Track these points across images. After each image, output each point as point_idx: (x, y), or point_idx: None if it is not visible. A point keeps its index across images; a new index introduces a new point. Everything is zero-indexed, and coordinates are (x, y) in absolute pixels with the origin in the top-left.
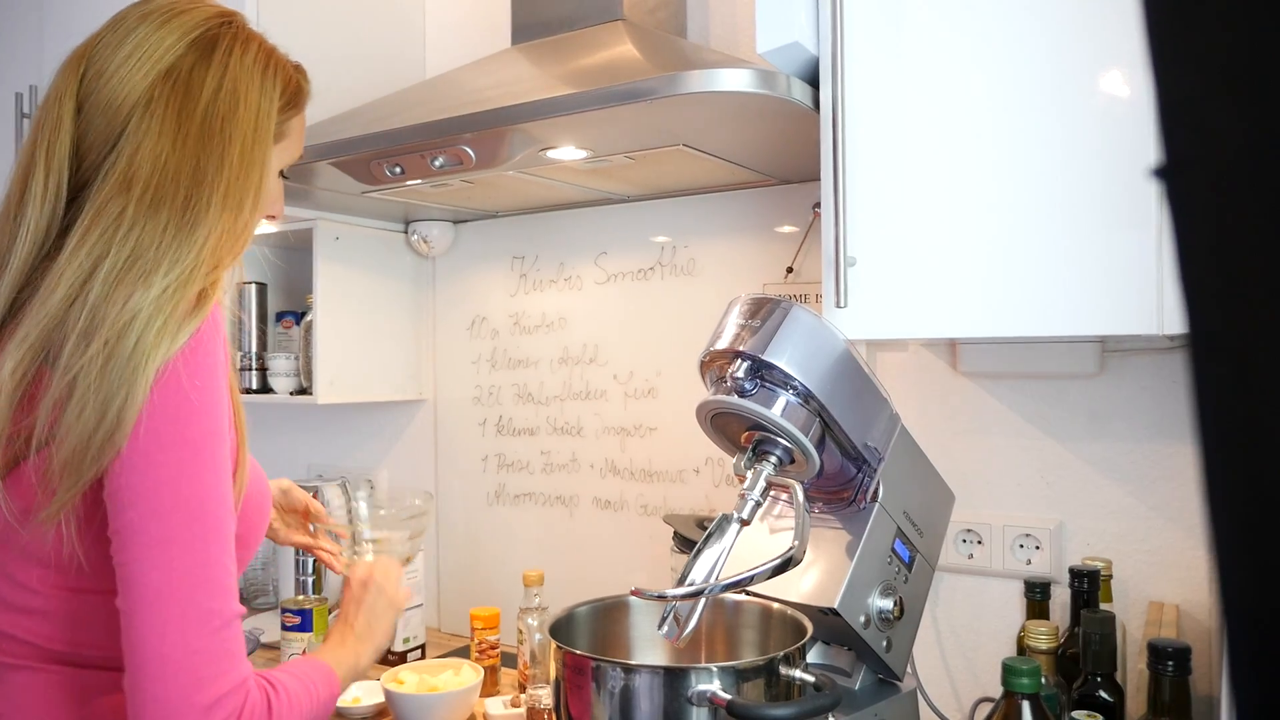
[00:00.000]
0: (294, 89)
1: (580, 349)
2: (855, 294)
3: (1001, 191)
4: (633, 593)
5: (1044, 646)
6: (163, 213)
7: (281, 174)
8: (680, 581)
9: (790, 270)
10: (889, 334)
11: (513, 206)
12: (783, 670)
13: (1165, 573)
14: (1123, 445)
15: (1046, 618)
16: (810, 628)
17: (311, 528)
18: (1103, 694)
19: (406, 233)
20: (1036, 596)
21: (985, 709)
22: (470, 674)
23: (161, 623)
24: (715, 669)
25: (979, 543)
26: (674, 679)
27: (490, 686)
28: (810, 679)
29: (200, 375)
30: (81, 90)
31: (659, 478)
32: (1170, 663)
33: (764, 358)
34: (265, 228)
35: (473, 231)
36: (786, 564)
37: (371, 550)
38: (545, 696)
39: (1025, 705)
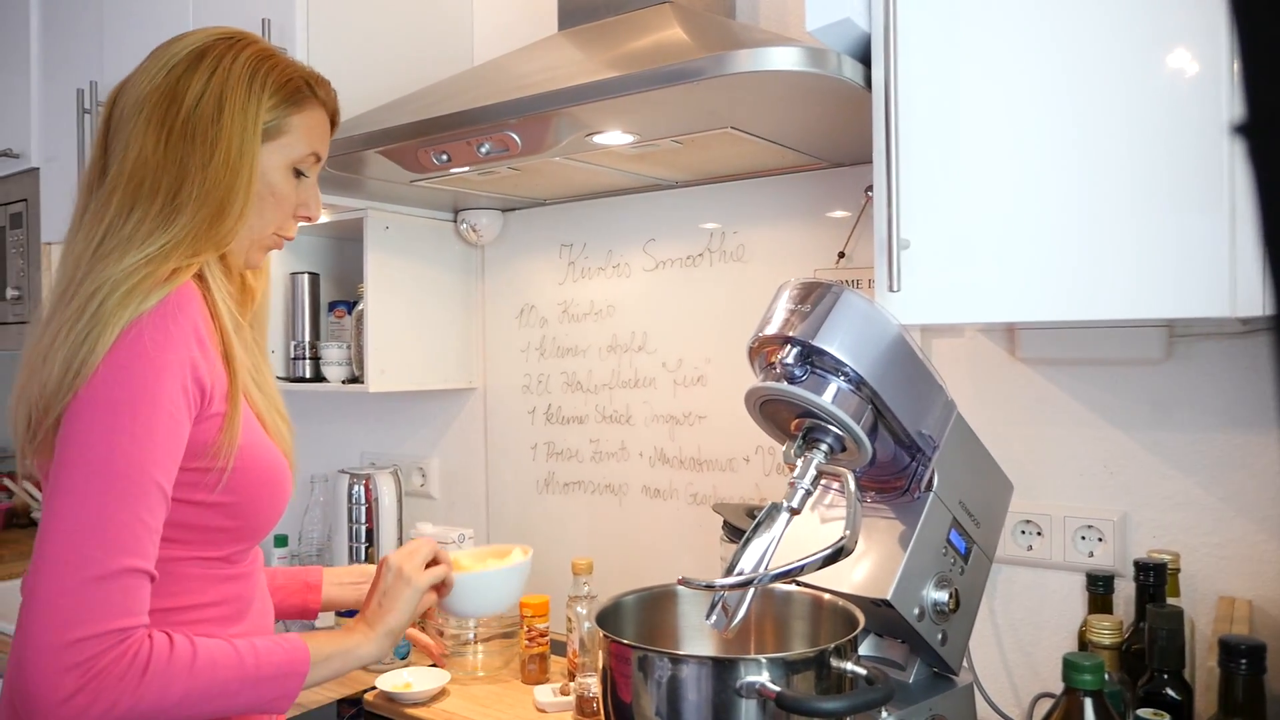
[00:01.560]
0: (292, 88)
1: (629, 337)
2: (909, 278)
3: (1062, 171)
4: (680, 582)
5: (1107, 642)
6: (141, 206)
7: (301, 175)
8: (729, 571)
9: (842, 255)
10: (944, 319)
11: (560, 194)
12: (834, 663)
13: (1236, 566)
14: (1190, 434)
15: (1110, 612)
16: (862, 619)
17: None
18: (1170, 692)
19: (455, 221)
20: (1099, 590)
21: (1045, 705)
22: (519, 554)
23: (43, 564)
24: (764, 660)
25: (1039, 534)
26: (722, 670)
27: (539, 674)
28: (862, 672)
29: (157, 341)
30: (110, 108)
31: (708, 466)
32: (1243, 660)
33: (814, 343)
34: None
35: (521, 219)
36: (838, 554)
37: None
38: (594, 685)
39: (1088, 702)
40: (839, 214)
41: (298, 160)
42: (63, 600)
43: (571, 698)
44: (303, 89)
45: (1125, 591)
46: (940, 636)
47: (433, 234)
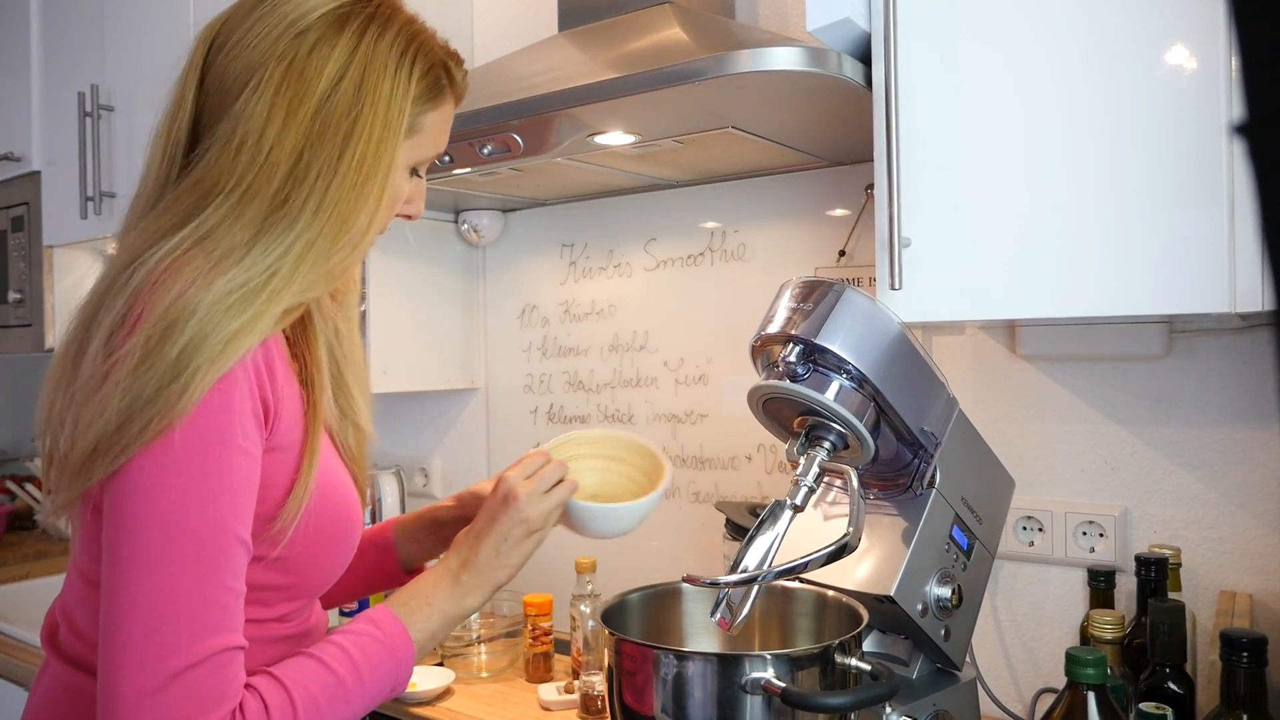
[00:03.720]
0: (434, 76)
1: (631, 336)
2: (910, 276)
3: (1062, 168)
4: (685, 579)
5: (1109, 636)
6: (250, 206)
7: (415, 172)
8: (733, 568)
9: (843, 253)
10: (945, 316)
11: (561, 194)
12: (838, 659)
13: (1236, 561)
14: (1190, 430)
15: (1111, 607)
16: (866, 616)
17: None
18: (1172, 685)
19: (457, 222)
20: (1101, 585)
21: (1047, 700)
22: (651, 468)
23: (120, 659)
24: (769, 656)
25: (1040, 530)
26: (727, 667)
27: (544, 673)
28: (866, 667)
29: (244, 388)
30: (206, 63)
31: (711, 464)
32: (1244, 654)
33: (817, 341)
34: None
35: (522, 220)
36: (841, 550)
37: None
38: (598, 683)
39: (1090, 696)
40: (839, 213)
41: (423, 161)
42: (150, 701)
43: (576, 696)
44: (443, 79)
45: (1126, 587)
46: (943, 632)
47: (434, 235)
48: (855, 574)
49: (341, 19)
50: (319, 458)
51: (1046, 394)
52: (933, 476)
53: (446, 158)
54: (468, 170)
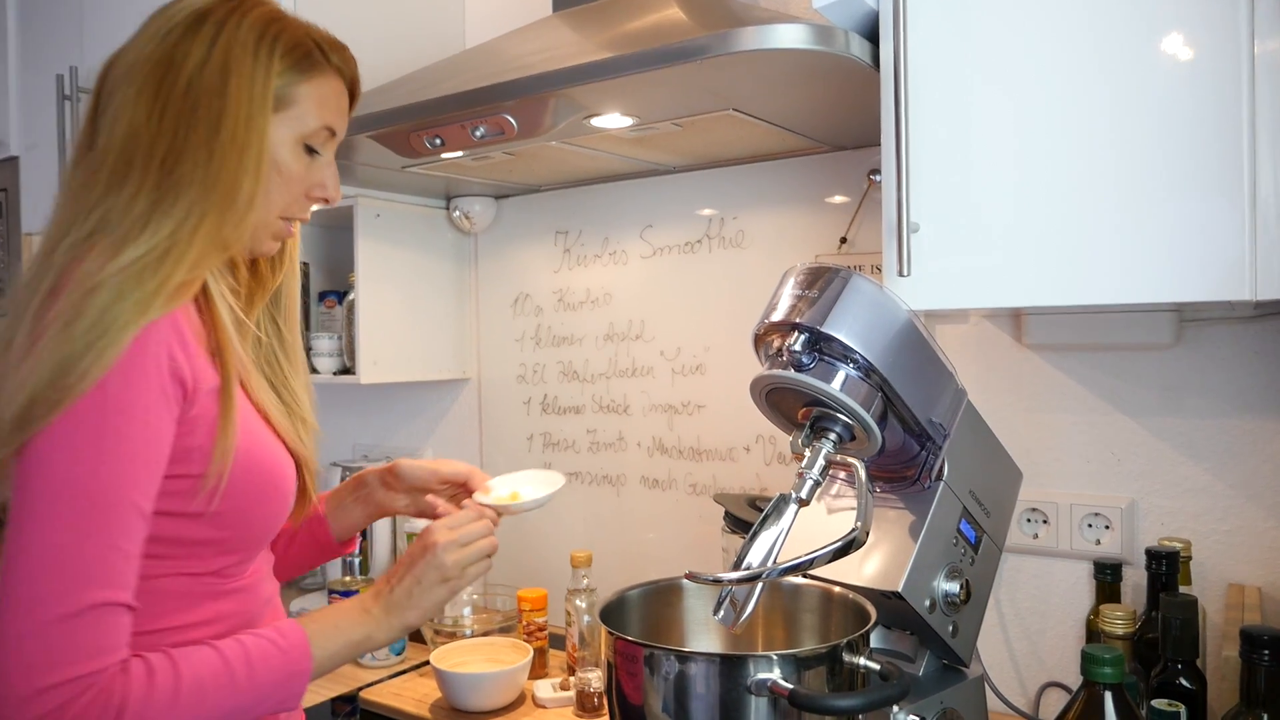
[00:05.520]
0: (302, 51)
1: (626, 325)
2: (918, 262)
3: (1078, 152)
4: (687, 576)
5: (1120, 632)
6: (130, 184)
7: (312, 150)
8: (736, 565)
9: (844, 240)
10: (955, 304)
11: (555, 180)
12: (846, 658)
13: (1246, 554)
14: (1199, 420)
15: (1118, 601)
16: (874, 613)
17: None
18: (1183, 682)
19: (448, 209)
20: (1107, 579)
21: (1052, 695)
22: (519, 653)
23: (5, 604)
24: (775, 657)
25: (1044, 522)
26: (732, 668)
27: (538, 669)
28: (875, 667)
29: (148, 363)
30: (102, 89)
31: (708, 456)
32: (1266, 651)
33: (823, 329)
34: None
35: (515, 207)
36: (849, 546)
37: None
38: (595, 680)
39: (1108, 696)
40: (839, 199)
41: (309, 135)
42: (26, 644)
43: (572, 693)
44: (314, 53)
45: (1132, 579)
46: (951, 628)
47: (425, 222)
48: (861, 569)
49: (202, 14)
50: (236, 421)
51: (1052, 384)
52: (941, 469)
53: (438, 140)
54: (459, 154)
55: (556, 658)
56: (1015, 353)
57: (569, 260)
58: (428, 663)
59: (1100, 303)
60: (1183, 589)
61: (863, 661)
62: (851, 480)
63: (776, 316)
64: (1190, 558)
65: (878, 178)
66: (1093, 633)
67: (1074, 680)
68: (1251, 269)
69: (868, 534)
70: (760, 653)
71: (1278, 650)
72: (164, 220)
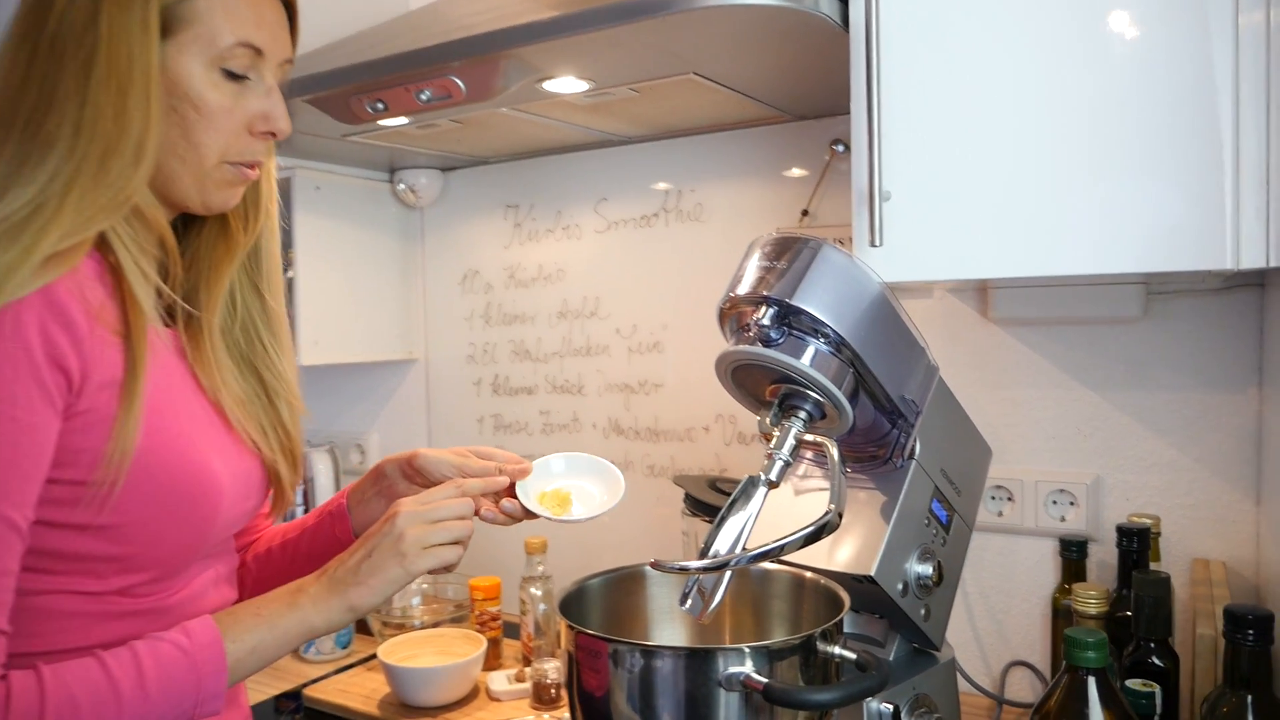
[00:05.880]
0: None
1: (580, 302)
2: (889, 232)
3: (1059, 118)
4: (652, 565)
5: (1094, 611)
6: (6, 143)
7: (233, 75)
8: (703, 552)
9: (806, 213)
10: (928, 275)
11: (505, 151)
12: (821, 647)
13: (1210, 528)
14: (1165, 394)
15: (1084, 578)
16: (847, 600)
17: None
18: (1156, 660)
19: (392, 182)
20: (1073, 555)
21: (1017, 674)
22: (471, 644)
23: None
24: (748, 649)
25: (1009, 499)
26: (702, 662)
27: (492, 660)
28: (851, 656)
29: (16, 348)
30: None
31: (666, 437)
32: (1250, 631)
33: (793, 302)
34: None
35: (462, 179)
36: (822, 530)
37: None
38: (552, 670)
39: (1091, 682)
40: (802, 171)
41: (223, 57)
42: None
43: (528, 684)
44: None
45: (1097, 556)
46: (923, 611)
47: (367, 195)
48: (831, 553)
49: None
50: (138, 419)
51: (1017, 359)
52: (912, 447)
53: (380, 104)
54: (404, 121)
55: (511, 647)
56: (980, 328)
57: (520, 235)
58: (375, 656)
59: (1080, 273)
60: (1151, 566)
61: (838, 651)
62: (820, 460)
63: (743, 289)
64: (1159, 534)
65: (841, 148)
66: (1058, 610)
67: (1039, 659)
68: (1234, 236)
69: (841, 517)
70: (731, 645)
71: (1262, 630)
72: (26, 185)
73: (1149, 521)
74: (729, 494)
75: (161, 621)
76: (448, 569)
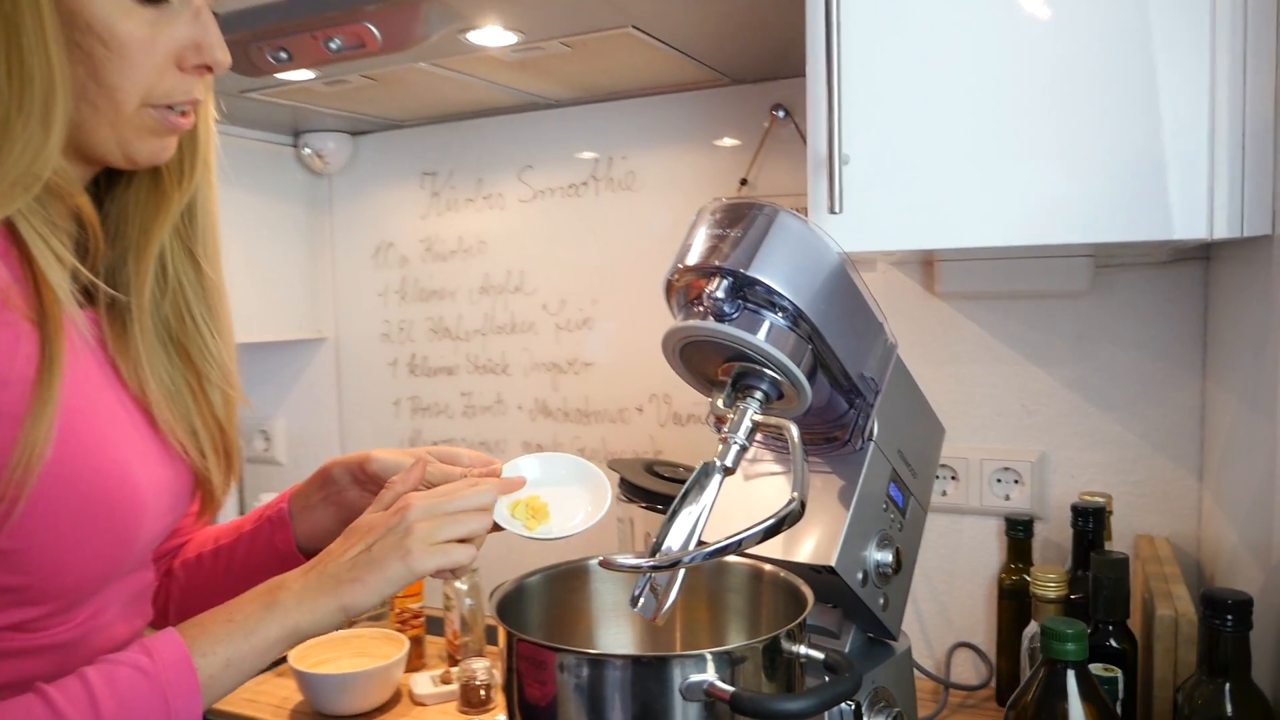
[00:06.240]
0: None
1: (504, 276)
2: (846, 200)
3: (1027, 79)
4: (601, 563)
5: (1053, 595)
6: None
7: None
8: (655, 547)
9: (744, 182)
10: (889, 245)
11: (421, 113)
12: (786, 647)
13: (1153, 504)
14: (1110, 369)
15: (1030, 557)
16: (810, 594)
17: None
18: (1113, 643)
19: (296, 146)
20: (1019, 535)
21: (961, 656)
22: (392, 645)
23: None
24: (710, 655)
25: (953, 479)
26: (659, 671)
27: (414, 660)
28: (819, 656)
29: None
30: None
31: (597, 418)
32: (1230, 617)
33: (749, 274)
34: None
35: (374, 144)
36: (783, 522)
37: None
38: (481, 671)
39: (1070, 675)
40: (739, 139)
41: None
42: None
43: (455, 686)
44: None
45: (1042, 535)
46: (882, 601)
47: (270, 160)
48: (787, 542)
49: None
50: (53, 418)
51: (963, 334)
52: (871, 428)
53: (284, 53)
54: (311, 74)
55: (435, 645)
56: (925, 302)
57: (438, 205)
58: (285, 661)
59: (1051, 242)
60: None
61: (803, 650)
62: (773, 443)
63: (693, 259)
64: (1112, 512)
65: (781, 114)
66: (1004, 591)
67: (983, 640)
68: (1209, 205)
69: (804, 506)
70: (692, 652)
71: (1242, 615)
72: None
73: (1102, 500)
74: (667, 478)
75: (65, 657)
76: (454, 573)
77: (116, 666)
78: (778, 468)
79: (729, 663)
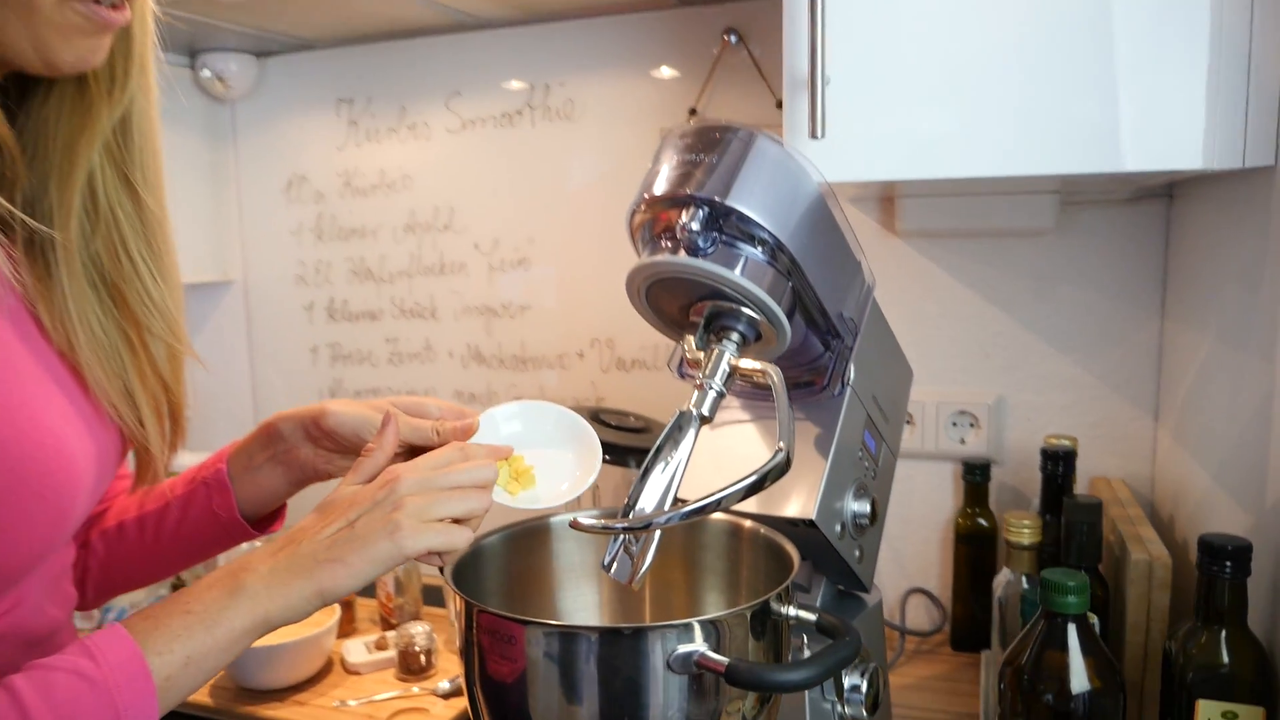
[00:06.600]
0: None
1: (431, 213)
2: (831, 123)
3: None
4: (572, 525)
5: (1027, 541)
6: None
7: None
8: (629, 506)
9: (693, 112)
10: (872, 174)
11: (336, 33)
12: (775, 608)
13: (1109, 446)
14: (1070, 310)
15: (986, 501)
16: (796, 554)
17: None
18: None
19: (194, 68)
20: (976, 479)
21: (915, 601)
22: (322, 612)
23: None
24: (697, 624)
25: (908, 422)
26: (643, 643)
27: (345, 626)
28: (810, 617)
29: None
30: None
31: (534, 364)
32: (1228, 563)
33: (728, 203)
34: None
35: (283, 67)
36: (767, 477)
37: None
38: (421, 636)
39: (1071, 629)
40: (687, 66)
41: None
42: None
43: (391, 653)
44: None
45: (998, 478)
46: (858, 553)
47: (162, 84)
48: (762, 495)
49: None
50: None
51: (921, 274)
52: (847, 373)
53: None
54: None
55: (366, 609)
56: (883, 241)
57: (356, 135)
58: None
59: (1056, 172)
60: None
61: (793, 612)
62: (738, 385)
63: (661, 188)
64: (1077, 454)
65: (734, 39)
66: (960, 535)
67: (937, 585)
68: (1207, 135)
69: (791, 459)
70: (679, 621)
71: (1241, 561)
72: None
73: (1069, 443)
74: (615, 427)
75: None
76: (445, 558)
77: (52, 673)
78: (744, 415)
79: (717, 631)
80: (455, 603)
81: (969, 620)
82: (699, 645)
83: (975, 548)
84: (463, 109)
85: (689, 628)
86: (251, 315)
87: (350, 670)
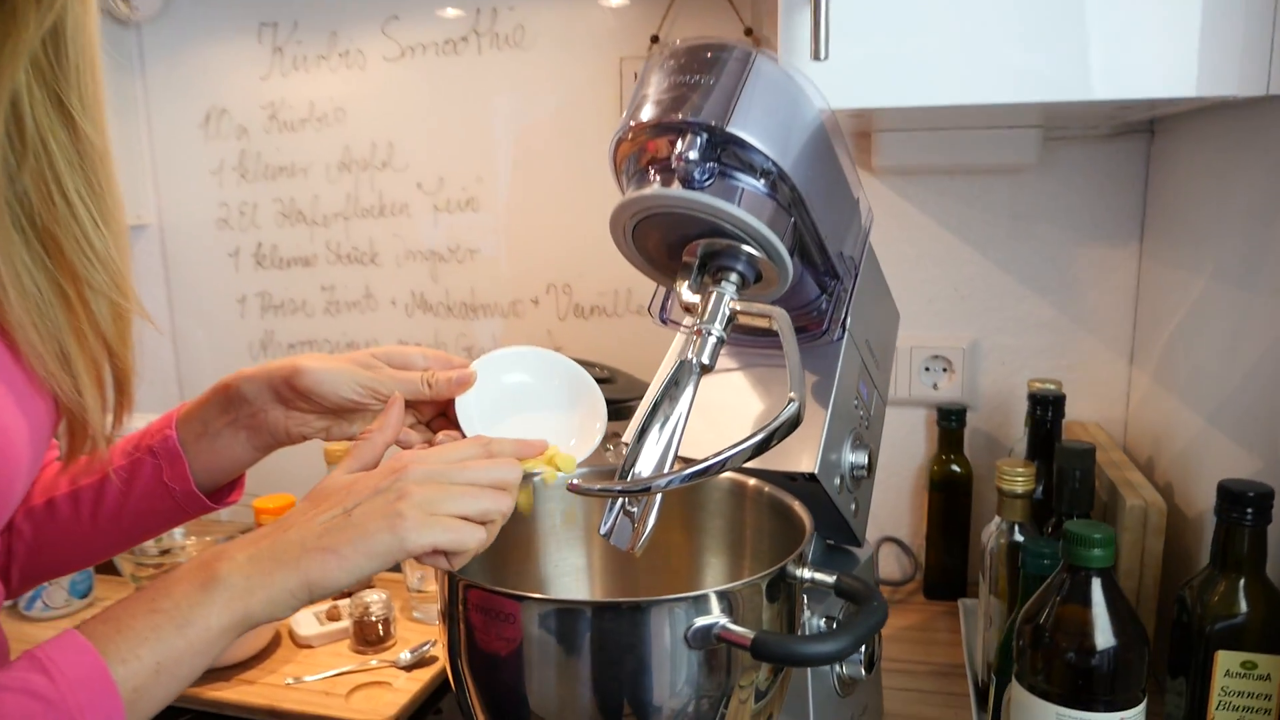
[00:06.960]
0: None
1: (368, 150)
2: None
3: None
4: (570, 488)
5: (1020, 490)
6: None
7: None
8: (627, 466)
9: (655, 40)
10: (880, 100)
11: None
12: (791, 571)
13: (1084, 390)
14: (1047, 250)
15: (960, 448)
16: (807, 516)
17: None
18: None
19: None
20: (951, 425)
21: (887, 550)
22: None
23: None
24: (713, 595)
25: None
26: (656, 617)
27: None
28: (829, 580)
29: None
30: None
31: (486, 312)
32: (1250, 510)
33: (729, 129)
34: None
35: None
36: (776, 432)
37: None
38: (377, 605)
39: (1096, 584)
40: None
41: None
42: None
43: (345, 623)
44: None
45: (971, 424)
46: (854, 506)
47: None
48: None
49: None
50: None
51: (896, 213)
52: (845, 318)
53: None
54: None
55: None
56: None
57: (282, 63)
58: None
59: (1078, 99)
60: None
61: (808, 574)
62: (748, 337)
63: (649, 114)
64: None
65: None
66: (935, 483)
67: (908, 533)
68: (1239, 59)
69: (802, 410)
70: (695, 593)
71: (1262, 508)
72: None
73: (1052, 386)
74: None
75: None
76: (452, 560)
77: (1, 693)
78: (732, 363)
79: (731, 601)
80: (437, 577)
81: (942, 569)
82: (718, 617)
83: (949, 495)
84: (401, 35)
85: (704, 599)
86: (169, 263)
87: (301, 644)
